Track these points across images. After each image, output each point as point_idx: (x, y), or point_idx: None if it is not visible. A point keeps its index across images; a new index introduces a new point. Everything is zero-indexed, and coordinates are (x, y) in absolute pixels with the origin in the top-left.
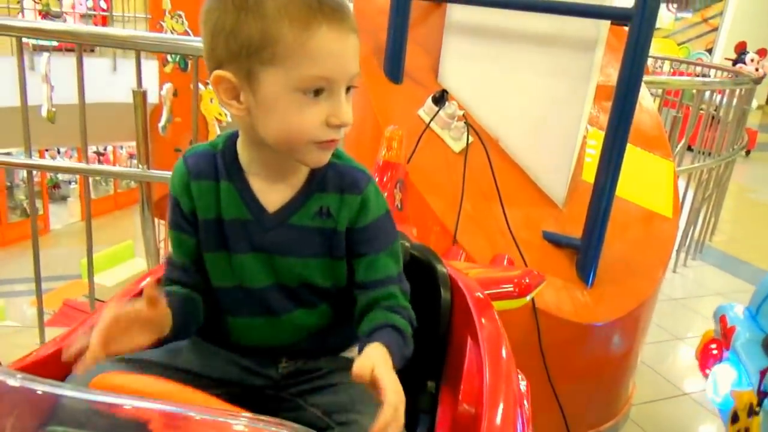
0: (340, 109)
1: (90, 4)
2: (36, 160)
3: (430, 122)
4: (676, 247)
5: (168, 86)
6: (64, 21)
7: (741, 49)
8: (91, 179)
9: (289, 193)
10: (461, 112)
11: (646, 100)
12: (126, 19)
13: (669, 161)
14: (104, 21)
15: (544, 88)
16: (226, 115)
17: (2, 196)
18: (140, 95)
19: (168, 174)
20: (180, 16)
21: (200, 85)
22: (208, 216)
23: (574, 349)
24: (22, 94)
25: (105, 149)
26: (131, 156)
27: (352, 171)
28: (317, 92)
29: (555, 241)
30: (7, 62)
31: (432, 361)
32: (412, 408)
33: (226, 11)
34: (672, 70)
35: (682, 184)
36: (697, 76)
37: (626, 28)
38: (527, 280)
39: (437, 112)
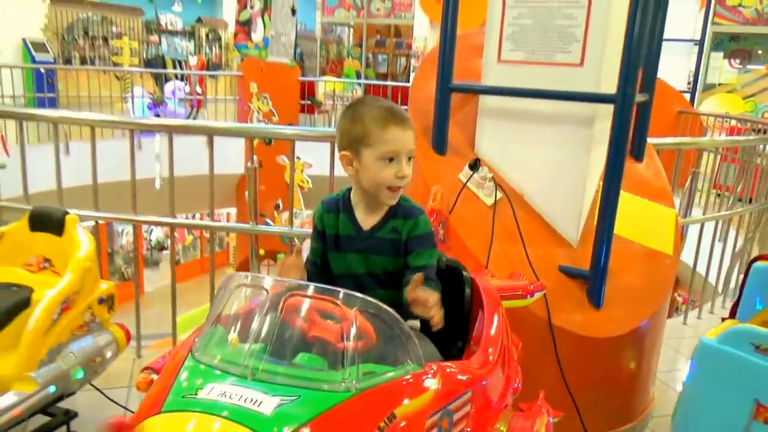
0: (402, 168)
1: (188, 89)
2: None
3: (466, 183)
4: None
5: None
6: (166, 106)
7: None
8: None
9: (376, 219)
10: (491, 175)
11: (653, 159)
12: (217, 101)
13: (671, 209)
14: (199, 104)
15: (555, 155)
16: (308, 182)
17: (104, 261)
18: (253, 170)
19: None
20: (266, 97)
21: (284, 158)
22: (331, 232)
23: (586, 359)
24: (132, 170)
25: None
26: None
27: (411, 207)
28: (390, 159)
29: (569, 273)
30: (118, 144)
31: (460, 330)
32: (448, 357)
33: (347, 121)
34: (739, 126)
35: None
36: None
37: None
38: (531, 287)
39: (472, 175)
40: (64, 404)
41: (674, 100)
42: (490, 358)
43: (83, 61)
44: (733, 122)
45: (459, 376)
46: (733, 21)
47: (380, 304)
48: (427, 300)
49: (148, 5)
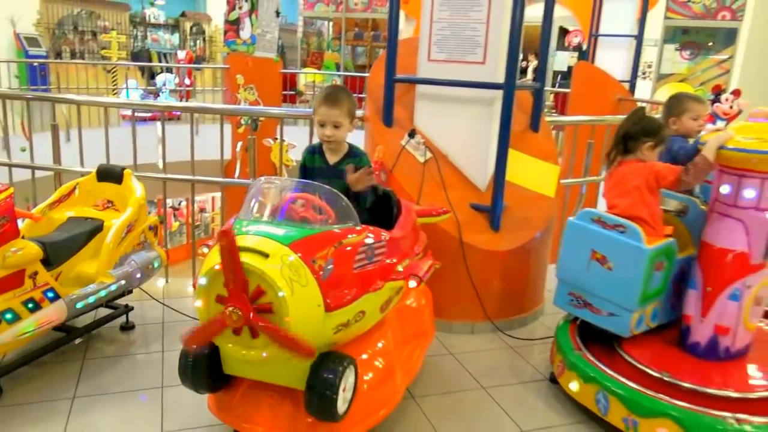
0: (326, 131)
1: (177, 80)
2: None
3: (404, 146)
4: None
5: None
6: (158, 96)
7: (717, 91)
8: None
9: (337, 158)
10: (423, 140)
11: (547, 131)
12: (205, 92)
13: (555, 165)
14: (188, 95)
15: (469, 126)
16: (292, 160)
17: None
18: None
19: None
20: (252, 88)
21: (270, 140)
22: (310, 165)
23: (487, 266)
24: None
25: (180, 204)
26: (202, 210)
27: (358, 152)
28: (322, 125)
29: (477, 208)
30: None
31: (390, 225)
32: None
33: (315, 100)
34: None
35: None
36: None
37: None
38: (439, 210)
39: (409, 140)
40: (123, 300)
41: (614, 89)
42: (399, 234)
43: (73, 55)
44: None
45: (380, 234)
46: (684, 15)
47: (337, 192)
48: (358, 179)
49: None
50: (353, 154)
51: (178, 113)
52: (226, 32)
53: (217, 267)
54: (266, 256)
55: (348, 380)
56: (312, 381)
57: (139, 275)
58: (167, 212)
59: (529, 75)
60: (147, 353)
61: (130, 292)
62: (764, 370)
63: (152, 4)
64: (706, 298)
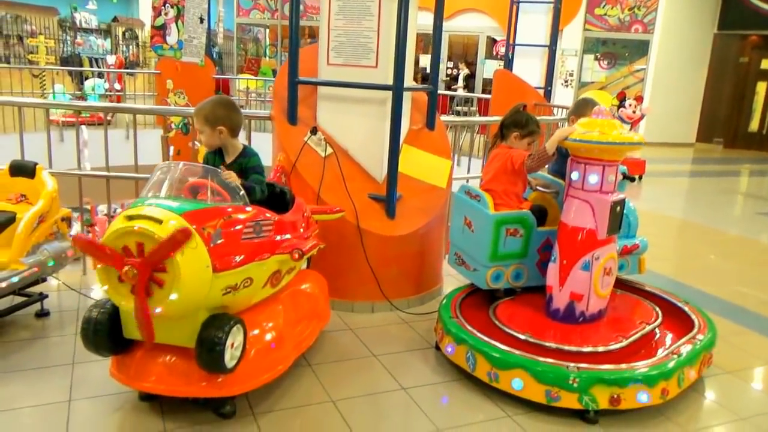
0: (199, 136)
1: (107, 86)
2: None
3: (306, 141)
4: None
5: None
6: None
7: (621, 97)
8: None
9: (232, 157)
10: (323, 137)
11: (442, 129)
12: (136, 97)
13: (447, 160)
14: (119, 99)
15: (366, 124)
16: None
17: None
18: (165, 139)
19: None
20: (182, 92)
21: (197, 143)
22: (210, 164)
23: (384, 250)
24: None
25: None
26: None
27: (250, 151)
28: (199, 131)
29: (374, 198)
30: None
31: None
32: None
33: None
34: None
35: None
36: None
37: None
38: (336, 209)
39: (310, 137)
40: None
41: (530, 95)
42: (287, 218)
43: None
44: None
45: (267, 215)
46: (600, 28)
47: (228, 178)
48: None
49: (63, 4)
50: (245, 154)
51: (110, 117)
52: (152, 37)
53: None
54: (160, 222)
55: (236, 338)
56: (202, 336)
57: (51, 263)
58: (108, 218)
59: (460, 82)
60: (61, 336)
61: (44, 280)
62: (610, 330)
63: (76, 9)
64: (563, 269)
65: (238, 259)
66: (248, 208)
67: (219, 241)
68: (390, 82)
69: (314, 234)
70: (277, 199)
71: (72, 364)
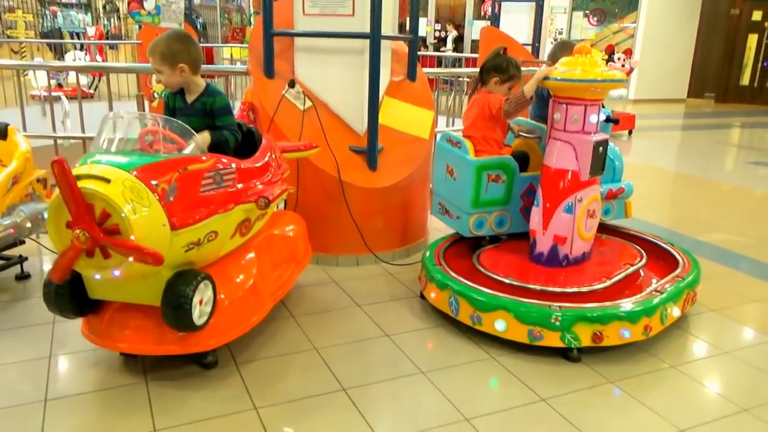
0: (159, 77)
1: (88, 59)
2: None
3: (284, 95)
4: None
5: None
6: (67, 74)
7: (610, 51)
8: None
9: (194, 97)
10: (301, 90)
11: (424, 80)
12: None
13: (429, 111)
14: (101, 73)
15: (345, 75)
16: None
17: None
18: (140, 98)
19: None
20: None
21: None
22: (172, 105)
23: (366, 202)
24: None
25: None
26: None
27: (214, 90)
28: (157, 71)
29: (355, 150)
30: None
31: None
32: None
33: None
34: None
35: None
36: None
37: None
38: (309, 144)
39: (288, 90)
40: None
41: (518, 52)
42: (257, 164)
43: None
44: None
45: (229, 162)
46: None
47: (184, 124)
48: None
49: None
50: (209, 93)
51: (92, 92)
52: (129, 3)
53: (59, 195)
54: (108, 181)
55: (205, 294)
56: (167, 295)
57: (28, 224)
58: None
59: (449, 45)
60: (41, 297)
61: (23, 242)
62: (594, 272)
63: None
64: (546, 213)
65: (198, 214)
66: (204, 158)
67: (175, 196)
68: (367, 30)
69: (284, 176)
70: (244, 139)
71: (53, 323)
